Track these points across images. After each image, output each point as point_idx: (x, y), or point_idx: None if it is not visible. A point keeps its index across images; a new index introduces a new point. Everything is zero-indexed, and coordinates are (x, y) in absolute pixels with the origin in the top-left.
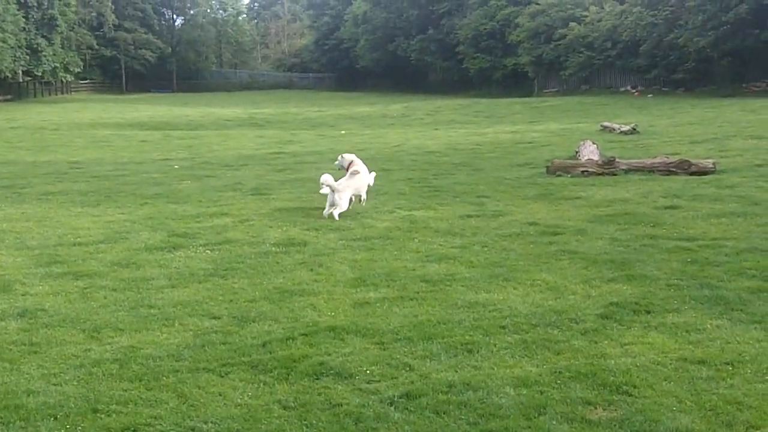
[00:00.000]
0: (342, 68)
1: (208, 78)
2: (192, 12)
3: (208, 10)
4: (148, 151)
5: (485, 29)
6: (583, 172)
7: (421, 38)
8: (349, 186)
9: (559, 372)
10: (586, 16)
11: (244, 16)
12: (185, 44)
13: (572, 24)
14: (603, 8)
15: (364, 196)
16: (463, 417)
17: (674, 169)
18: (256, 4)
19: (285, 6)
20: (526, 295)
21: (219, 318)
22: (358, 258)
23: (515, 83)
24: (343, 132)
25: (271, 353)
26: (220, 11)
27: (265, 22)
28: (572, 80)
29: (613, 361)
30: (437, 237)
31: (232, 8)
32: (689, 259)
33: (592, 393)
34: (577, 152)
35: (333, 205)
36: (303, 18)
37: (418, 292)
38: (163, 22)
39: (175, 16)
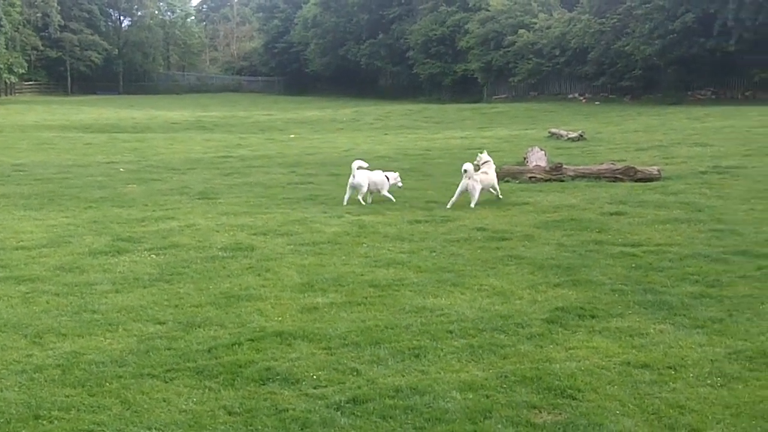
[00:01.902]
0: (291, 72)
1: (155, 80)
2: (139, 13)
3: (156, 12)
4: (93, 153)
5: (435, 35)
6: (530, 178)
7: (371, 43)
8: (482, 180)
9: (505, 376)
10: (535, 23)
11: (193, 18)
12: (132, 46)
13: (521, 31)
14: (552, 15)
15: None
16: (409, 421)
17: (620, 176)
18: (204, 6)
19: (234, 9)
20: (474, 300)
21: (164, 323)
22: (306, 263)
23: (465, 89)
24: (292, 136)
25: (216, 359)
26: (168, 13)
27: (213, 25)
28: (521, 87)
29: (558, 366)
30: (386, 242)
31: (181, 10)
32: (634, 265)
33: (537, 397)
34: (525, 158)
35: (465, 192)
36: (252, 21)
37: (366, 297)
38: (110, 24)
39: (122, 18)
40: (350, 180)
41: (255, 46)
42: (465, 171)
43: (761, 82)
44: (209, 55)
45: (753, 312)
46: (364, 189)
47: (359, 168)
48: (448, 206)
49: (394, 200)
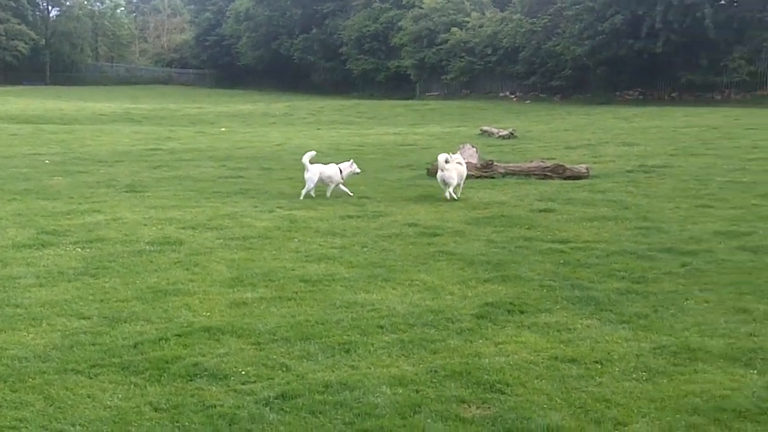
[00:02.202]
0: (223, 65)
1: (83, 71)
2: (68, 3)
3: (85, 2)
4: (17, 145)
5: (369, 31)
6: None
7: (305, 37)
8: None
9: (435, 371)
10: (468, 22)
11: (123, 9)
12: (60, 36)
13: (454, 29)
14: (484, 14)
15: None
16: (338, 417)
17: (549, 174)
18: None
19: (165, 0)
20: (405, 295)
21: (89, 318)
22: (236, 257)
23: (398, 86)
24: (223, 129)
25: (142, 354)
26: (97, 3)
27: (144, 16)
28: (454, 84)
29: (487, 360)
30: (317, 237)
31: (110, 0)
32: (562, 261)
33: (466, 391)
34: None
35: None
36: (184, 13)
37: (296, 292)
38: (38, 13)
39: (49, 8)
40: (305, 173)
41: (186, 38)
42: (446, 161)
43: (687, 83)
44: (139, 47)
45: (677, 308)
46: (313, 183)
47: (311, 161)
48: (448, 198)
49: (351, 194)
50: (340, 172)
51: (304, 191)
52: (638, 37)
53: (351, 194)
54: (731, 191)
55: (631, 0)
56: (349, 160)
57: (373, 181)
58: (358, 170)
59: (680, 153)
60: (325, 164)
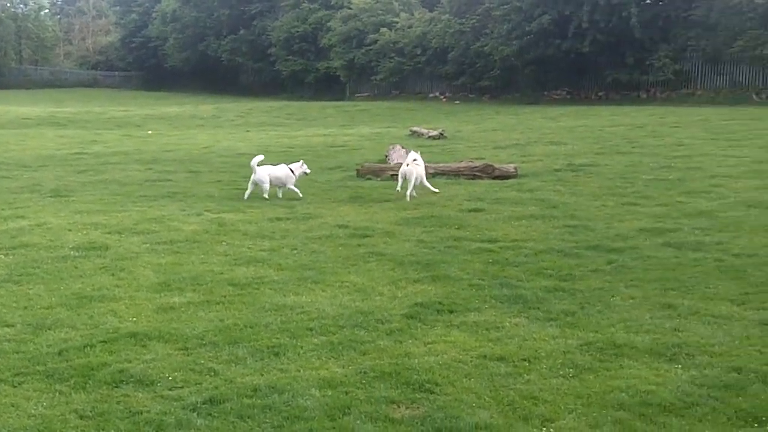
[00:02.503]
0: (150, 67)
1: (6, 75)
2: None
3: (8, 4)
4: None
5: (297, 32)
6: (392, 175)
7: (233, 38)
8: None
9: (365, 372)
10: (397, 22)
11: (47, 11)
12: None
13: (383, 30)
14: (413, 15)
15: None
16: (267, 420)
17: (479, 174)
18: None
19: (90, 2)
20: (334, 297)
21: (12, 326)
22: (163, 262)
23: (328, 87)
24: (150, 132)
25: (68, 361)
26: (21, 5)
27: (68, 18)
28: (383, 85)
29: (416, 360)
30: (246, 240)
31: (34, 3)
32: (491, 260)
33: (396, 392)
34: (387, 156)
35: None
36: (109, 14)
37: (225, 296)
38: None
39: None
40: (252, 176)
41: (112, 40)
42: (414, 159)
43: (613, 82)
44: (64, 50)
45: (604, 304)
46: (266, 185)
47: (260, 164)
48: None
49: (301, 195)
50: (292, 172)
51: (250, 192)
52: (565, 36)
53: (301, 195)
54: (656, 189)
55: (558, 0)
56: (298, 161)
57: (302, 182)
58: (308, 170)
59: (607, 152)
60: (274, 165)
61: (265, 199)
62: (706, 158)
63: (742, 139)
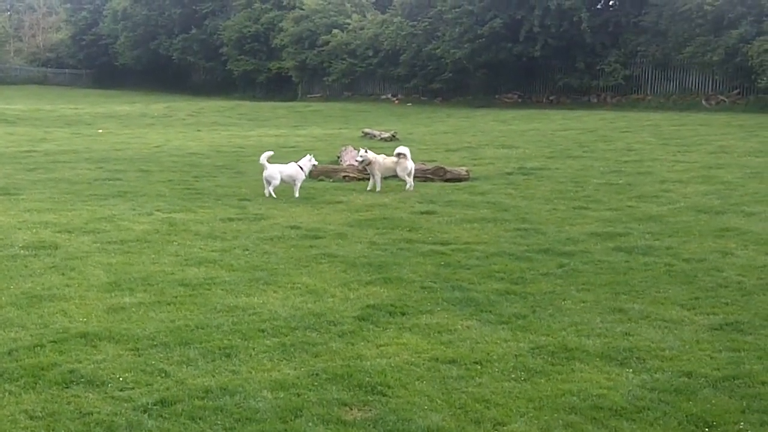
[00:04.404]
0: (101, 65)
1: None
2: None
3: None
4: None
5: (249, 32)
6: (344, 177)
7: (184, 37)
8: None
9: (317, 374)
10: (349, 24)
11: None
12: None
13: (335, 31)
14: (365, 17)
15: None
16: (219, 422)
17: (430, 176)
18: None
19: None
20: (286, 299)
21: None
22: (114, 262)
23: (279, 87)
24: (100, 131)
25: (17, 361)
26: None
27: (19, 15)
28: (335, 86)
29: (368, 363)
30: (197, 240)
31: None
32: (443, 263)
33: (348, 394)
34: (339, 157)
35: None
36: (60, 11)
37: (176, 297)
38: None
39: None
40: (263, 172)
41: (62, 37)
42: (401, 154)
43: (564, 86)
44: (14, 46)
45: (555, 308)
46: (276, 182)
47: (268, 160)
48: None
49: (297, 195)
50: (301, 169)
51: (268, 191)
52: (517, 41)
53: (297, 195)
54: (607, 193)
55: (510, 4)
56: (306, 156)
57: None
58: (316, 162)
59: (558, 155)
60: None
61: (271, 196)
62: (656, 163)
63: (691, 145)
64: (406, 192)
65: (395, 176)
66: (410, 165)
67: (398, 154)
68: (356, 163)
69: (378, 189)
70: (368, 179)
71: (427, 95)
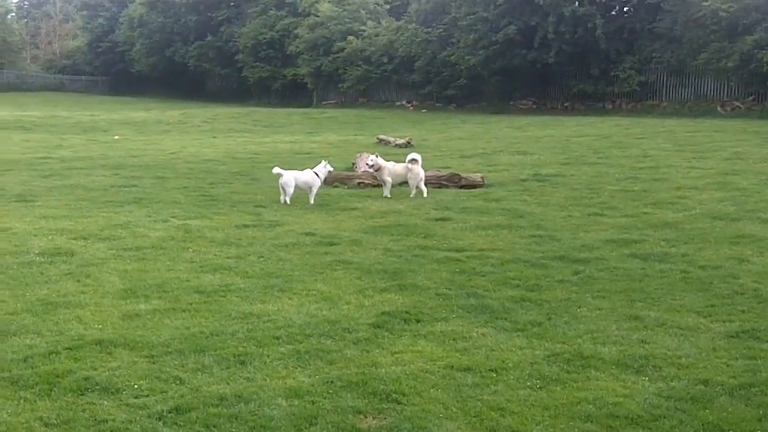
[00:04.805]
0: (117, 72)
1: None
2: None
3: None
4: None
5: (265, 39)
6: (359, 183)
7: (200, 44)
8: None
9: (331, 382)
10: (364, 31)
11: (13, 14)
12: None
13: (350, 37)
14: (380, 23)
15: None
16: (233, 430)
17: (445, 183)
18: (26, 2)
19: (57, 5)
20: (301, 306)
21: None
22: (129, 268)
23: (294, 94)
24: (116, 137)
25: (33, 368)
26: None
27: (35, 22)
28: (350, 93)
29: (383, 370)
30: (212, 247)
31: (1, 6)
32: (457, 270)
33: (362, 402)
34: (354, 164)
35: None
36: (76, 19)
37: (191, 304)
38: None
39: None
40: (279, 180)
41: (78, 44)
42: (414, 160)
43: (579, 93)
44: (30, 53)
45: (570, 315)
46: (291, 189)
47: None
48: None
49: (312, 202)
50: (317, 175)
51: (283, 198)
52: (531, 47)
53: (312, 202)
54: (622, 200)
55: (524, 11)
56: (321, 162)
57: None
58: (332, 169)
59: (573, 162)
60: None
61: (286, 203)
62: (672, 170)
63: (706, 151)
64: (421, 198)
65: (406, 183)
66: (421, 173)
67: (411, 160)
68: (368, 168)
69: (386, 195)
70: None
71: (441, 101)
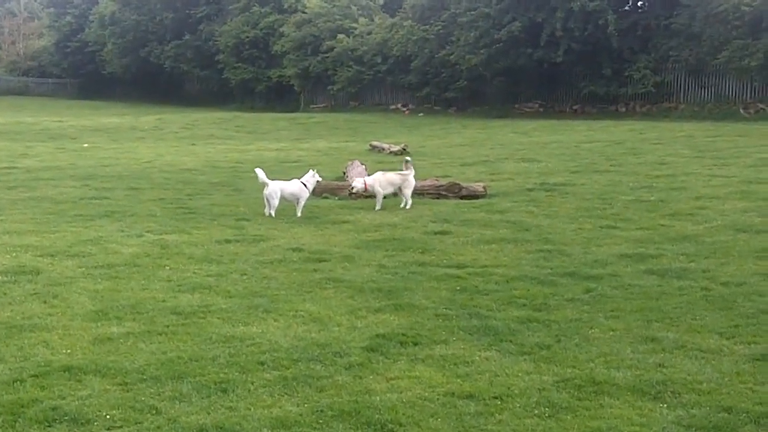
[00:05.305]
0: (87, 74)
1: None
2: None
3: None
4: None
5: (247, 37)
6: (351, 194)
7: (177, 44)
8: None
9: (322, 410)
10: (356, 28)
11: None
12: None
13: (341, 36)
14: (373, 20)
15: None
16: None
17: (444, 193)
18: None
19: (21, 2)
20: (288, 328)
21: None
22: (100, 288)
23: (280, 97)
24: (86, 145)
25: None
26: None
27: None
28: (341, 96)
29: (378, 398)
30: (191, 264)
31: None
32: (458, 288)
33: None
34: (345, 173)
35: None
36: (42, 17)
37: (168, 326)
38: None
39: None
40: (264, 190)
41: (45, 44)
42: (408, 161)
43: (589, 95)
44: None
45: (581, 337)
46: (276, 201)
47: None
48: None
49: (300, 215)
50: (305, 186)
51: (268, 210)
52: (537, 45)
53: (299, 214)
54: (637, 211)
55: (530, 6)
56: (309, 171)
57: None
58: (320, 179)
59: (583, 170)
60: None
61: (270, 216)
62: (691, 178)
63: (728, 158)
64: (418, 210)
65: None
66: (413, 181)
67: (406, 161)
68: (351, 196)
69: (378, 208)
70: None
71: (440, 105)
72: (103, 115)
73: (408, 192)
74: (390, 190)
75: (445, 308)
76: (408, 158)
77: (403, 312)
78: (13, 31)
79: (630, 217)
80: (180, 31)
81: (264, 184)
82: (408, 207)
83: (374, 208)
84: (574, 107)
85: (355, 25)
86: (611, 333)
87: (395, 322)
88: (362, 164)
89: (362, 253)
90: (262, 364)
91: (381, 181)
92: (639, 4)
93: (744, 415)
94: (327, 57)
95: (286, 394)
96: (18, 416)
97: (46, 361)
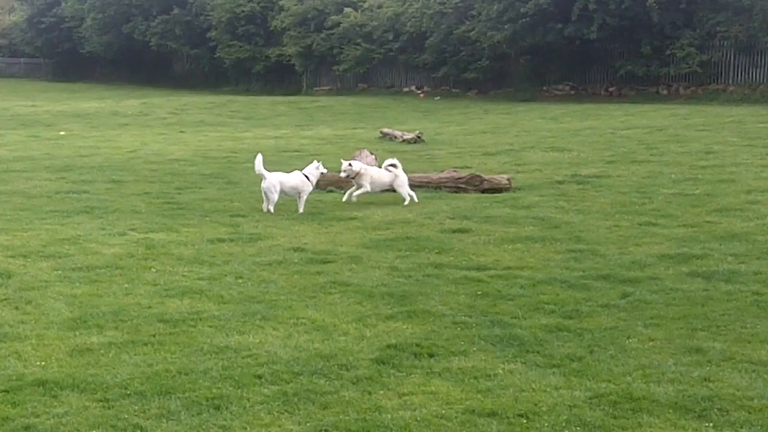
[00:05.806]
0: (63, 53)
1: None
2: None
3: None
4: None
5: (243, 12)
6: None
7: (164, 19)
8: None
9: (326, 430)
10: (365, 1)
11: None
12: None
13: (347, 10)
14: None
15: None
16: None
17: (464, 186)
18: None
19: None
20: (288, 337)
21: None
22: (78, 293)
23: (280, 78)
24: (62, 133)
25: None
26: None
27: None
28: (348, 77)
29: (389, 416)
30: (180, 266)
31: None
32: (479, 292)
33: None
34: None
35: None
36: None
37: (154, 335)
38: None
39: None
40: (262, 183)
41: (16, 20)
42: (393, 165)
43: (627, 75)
44: None
45: (617, 348)
46: (275, 196)
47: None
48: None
49: (302, 210)
50: (308, 179)
51: (266, 206)
52: (568, 20)
53: (301, 210)
54: (680, 206)
55: None
56: (313, 162)
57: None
58: (325, 170)
59: (619, 160)
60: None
61: (269, 212)
62: (741, 169)
63: None
64: (435, 206)
65: (388, 191)
66: (405, 177)
67: (391, 165)
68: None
69: (354, 200)
70: (388, 190)
71: (459, 87)
72: (82, 99)
73: (404, 190)
74: (379, 188)
75: (465, 315)
76: (392, 162)
77: (418, 320)
78: None
79: (672, 213)
80: (167, 5)
81: (261, 176)
82: (410, 203)
83: (343, 199)
84: (610, 89)
85: None
86: (650, 343)
87: (408, 330)
88: (372, 153)
89: (371, 253)
90: (260, 377)
91: (374, 177)
92: None
93: None
94: (332, 34)
95: (285, 411)
96: None
97: (18, 375)
